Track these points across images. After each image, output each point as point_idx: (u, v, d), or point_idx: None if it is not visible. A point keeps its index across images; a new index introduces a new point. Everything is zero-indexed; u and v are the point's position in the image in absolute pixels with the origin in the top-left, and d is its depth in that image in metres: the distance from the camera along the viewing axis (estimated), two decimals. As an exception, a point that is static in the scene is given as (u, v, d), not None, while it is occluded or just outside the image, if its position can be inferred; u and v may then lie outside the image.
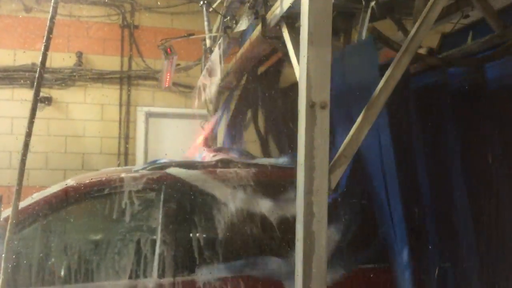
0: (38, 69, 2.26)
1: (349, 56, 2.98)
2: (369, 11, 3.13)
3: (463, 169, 2.76)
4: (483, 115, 2.74)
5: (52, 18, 2.28)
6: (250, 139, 4.85)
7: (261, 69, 4.46)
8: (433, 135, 2.86)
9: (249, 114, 4.69)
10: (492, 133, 2.70)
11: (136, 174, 2.73)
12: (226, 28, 3.92)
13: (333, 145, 2.54)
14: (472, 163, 2.77)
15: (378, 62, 2.70)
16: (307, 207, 1.98)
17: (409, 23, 4.02)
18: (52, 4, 2.29)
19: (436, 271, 2.69)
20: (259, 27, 3.21)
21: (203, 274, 2.55)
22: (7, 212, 2.32)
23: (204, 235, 2.68)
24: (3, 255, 2.14)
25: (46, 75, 6.10)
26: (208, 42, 5.34)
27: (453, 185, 2.78)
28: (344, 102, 2.71)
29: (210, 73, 5.17)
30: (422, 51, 2.99)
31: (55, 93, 6.48)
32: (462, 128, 2.80)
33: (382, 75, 2.30)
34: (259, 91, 4.34)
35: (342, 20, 3.65)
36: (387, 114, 2.65)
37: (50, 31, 2.27)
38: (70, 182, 2.78)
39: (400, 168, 2.70)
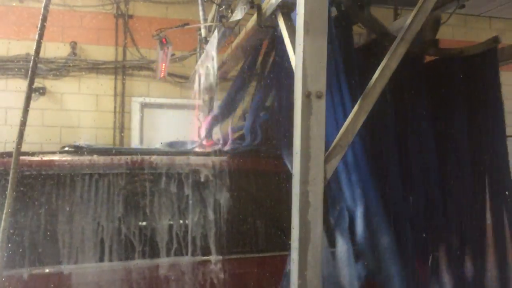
0: (32, 58, 2.25)
1: None
2: None
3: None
4: None
5: (46, 7, 2.26)
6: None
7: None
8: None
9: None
10: None
11: None
12: (221, 18, 3.90)
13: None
14: None
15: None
16: (303, 196, 1.99)
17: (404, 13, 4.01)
18: (46, -8, 2.27)
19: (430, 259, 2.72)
20: (254, 17, 3.19)
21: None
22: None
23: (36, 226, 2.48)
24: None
25: (40, 65, 6.05)
26: (203, 31, 5.31)
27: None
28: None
29: (206, 63, 5.15)
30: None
31: (49, 83, 6.44)
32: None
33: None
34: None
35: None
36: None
37: (44, 20, 2.26)
38: None
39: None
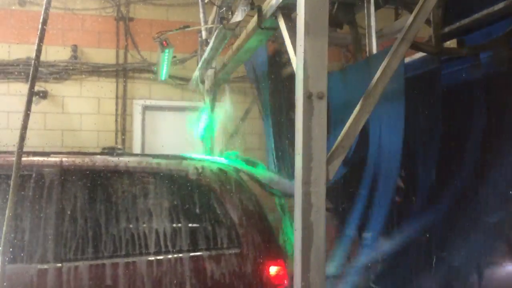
0: (33, 62, 2.24)
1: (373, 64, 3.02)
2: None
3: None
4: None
5: (46, 10, 2.26)
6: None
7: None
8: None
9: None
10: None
11: None
12: (222, 19, 3.89)
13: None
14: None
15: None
16: (305, 197, 1.98)
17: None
18: (46, -4, 2.26)
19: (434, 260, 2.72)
20: (255, 18, 3.19)
21: None
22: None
23: None
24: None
25: (41, 69, 6.06)
26: (204, 34, 5.30)
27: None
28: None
29: (207, 65, 5.15)
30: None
31: (51, 86, 6.45)
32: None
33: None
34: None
35: (344, 12, 3.62)
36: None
37: (44, 23, 2.25)
38: None
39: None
